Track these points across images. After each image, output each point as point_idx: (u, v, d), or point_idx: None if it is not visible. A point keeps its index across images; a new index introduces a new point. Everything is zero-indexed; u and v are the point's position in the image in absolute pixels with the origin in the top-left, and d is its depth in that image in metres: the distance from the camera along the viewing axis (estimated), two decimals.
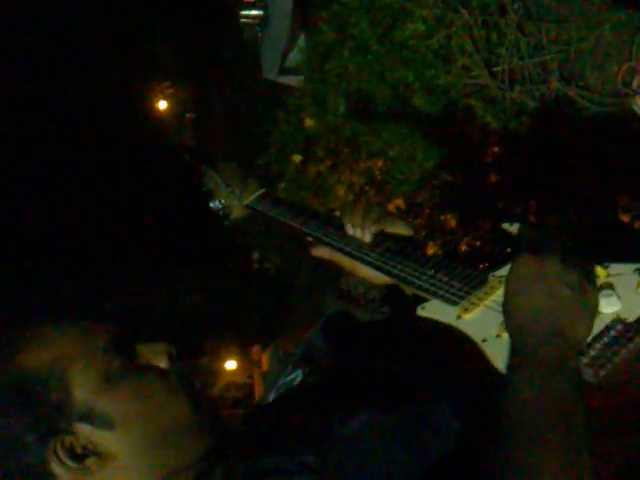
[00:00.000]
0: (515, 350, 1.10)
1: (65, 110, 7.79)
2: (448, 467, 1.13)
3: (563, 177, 3.27)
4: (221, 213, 1.73)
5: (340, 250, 1.49)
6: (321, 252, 1.52)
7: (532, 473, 0.98)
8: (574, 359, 1.07)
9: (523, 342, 1.09)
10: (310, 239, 1.58)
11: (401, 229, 1.46)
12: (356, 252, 1.46)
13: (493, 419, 1.04)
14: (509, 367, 1.09)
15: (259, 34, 6.48)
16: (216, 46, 8.18)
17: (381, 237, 1.46)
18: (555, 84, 3.29)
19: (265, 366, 8.05)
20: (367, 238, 1.46)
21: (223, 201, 1.72)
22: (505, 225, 1.33)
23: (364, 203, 1.52)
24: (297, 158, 4.53)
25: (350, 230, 1.47)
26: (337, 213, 1.57)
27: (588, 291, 1.12)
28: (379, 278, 1.45)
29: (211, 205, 1.73)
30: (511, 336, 1.12)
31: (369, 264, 1.44)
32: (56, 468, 1.11)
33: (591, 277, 1.14)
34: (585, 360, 1.09)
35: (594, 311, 1.12)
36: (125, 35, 8.27)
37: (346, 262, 1.49)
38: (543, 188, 3.32)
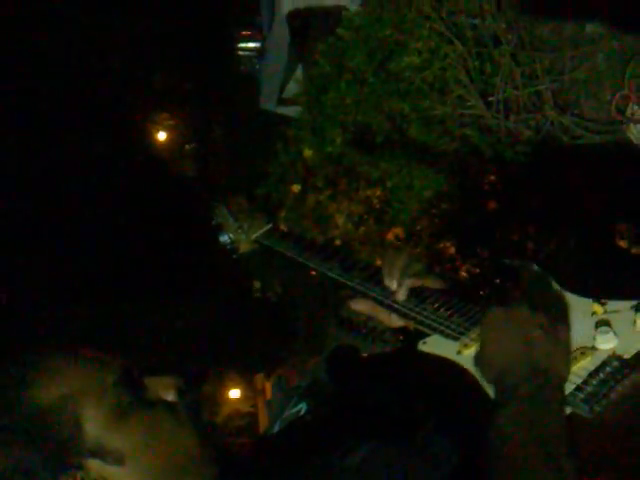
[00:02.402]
0: (497, 392, 1.14)
1: (67, 142, 7.84)
2: None
3: (559, 204, 3.30)
4: (230, 247, 1.76)
5: (343, 285, 1.52)
6: (361, 306, 1.51)
7: None
8: (556, 394, 1.11)
9: (503, 385, 1.14)
10: (315, 273, 1.61)
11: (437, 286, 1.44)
12: (360, 287, 1.49)
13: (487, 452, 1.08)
14: (493, 405, 1.13)
15: (257, 66, 6.54)
16: (214, 78, 8.23)
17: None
18: (550, 113, 3.32)
19: (269, 394, 8.02)
20: (402, 294, 1.43)
21: (232, 235, 1.75)
22: (507, 261, 1.37)
23: (405, 257, 1.48)
24: (296, 188, 4.54)
25: (388, 282, 1.45)
26: (337, 242, 1.58)
27: (560, 329, 1.17)
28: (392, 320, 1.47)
29: (220, 239, 1.75)
30: (491, 383, 1.16)
31: (373, 299, 1.47)
32: None
33: (561, 316, 1.19)
34: (581, 396, 1.12)
35: (568, 347, 1.17)
36: (124, 67, 8.33)
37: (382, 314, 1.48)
38: (540, 216, 3.35)
